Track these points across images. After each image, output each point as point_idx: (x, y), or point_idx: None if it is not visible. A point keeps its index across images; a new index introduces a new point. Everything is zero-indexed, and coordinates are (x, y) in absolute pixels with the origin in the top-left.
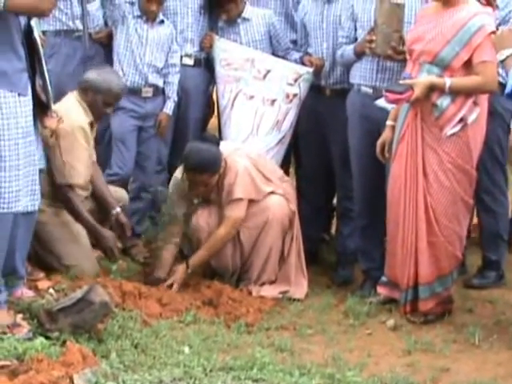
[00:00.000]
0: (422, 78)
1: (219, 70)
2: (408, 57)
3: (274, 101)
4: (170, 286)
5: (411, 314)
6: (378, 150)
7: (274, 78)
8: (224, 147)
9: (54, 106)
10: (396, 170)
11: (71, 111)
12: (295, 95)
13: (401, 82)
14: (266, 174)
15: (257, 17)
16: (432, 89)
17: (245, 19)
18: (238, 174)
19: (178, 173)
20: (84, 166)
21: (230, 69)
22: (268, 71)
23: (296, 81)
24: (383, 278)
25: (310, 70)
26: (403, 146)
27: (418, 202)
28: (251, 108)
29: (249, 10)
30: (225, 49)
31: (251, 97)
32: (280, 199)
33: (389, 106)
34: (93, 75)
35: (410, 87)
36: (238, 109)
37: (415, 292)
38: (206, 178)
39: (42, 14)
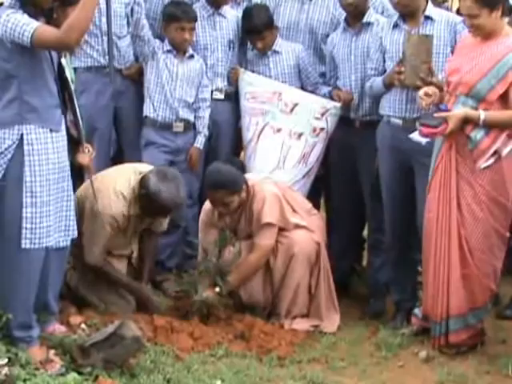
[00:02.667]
0: (456, 110)
1: (244, 104)
2: (445, 88)
3: (300, 134)
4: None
5: (444, 346)
6: None
7: (301, 111)
8: (252, 176)
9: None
10: (430, 202)
11: (113, 197)
12: (322, 129)
13: (435, 115)
14: (292, 205)
15: (287, 50)
16: (466, 121)
17: (275, 52)
18: (265, 200)
19: (208, 203)
20: (99, 249)
21: (256, 102)
22: (295, 105)
23: (323, 115)
24: (416, 309)
25: (338, 104)
26: (437, 177)
27: (450, 235)
28: (278, 141)
29: (279, 43)
30: (251, 82)
31: (278, 130)
32: (305, 234)
33: (423, 140)
34: (154, 185)
35: (445, 120)
36: (264, 142)
37: (448, 324)
38: (224, 195)
39: (67, 48)
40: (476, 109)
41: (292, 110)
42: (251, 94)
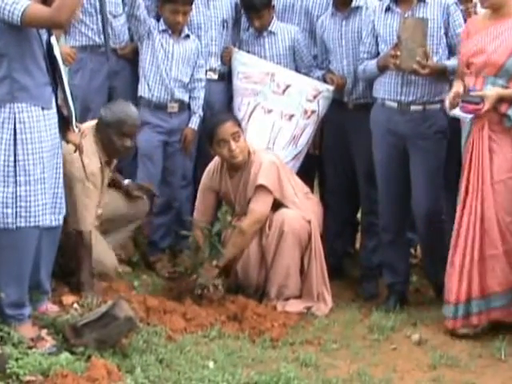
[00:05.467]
0: (488, 89)
1: (236, 83)
2: (466, 70)
3: (291, 116)
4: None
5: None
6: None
7: (294, 93)
8: (255, 146)
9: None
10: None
11: (84, 156)
12: (313, 112)
13: (472, 93)
14: (289, 179)
15: (282, 31)
16: (500, 100)
17: (271, 32)
18: (262, 164)
19: (211, 164)
20: (90, 214)
21: (249, 82)
22: (287, 86)
23: (315, 97)
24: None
25: (331, 87)
26: (467, 158)
27: (484, 213)
28: (269, 122)
29: (275, 24)
30: (244, 62)
31: (269, 111)
32: (296, 212)
33: (467, 117)
34: (103, 111)
35: (481, 99)
36: (254, 122)
37: (490, 302)
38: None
39: (58, 27)
40: (507, 87)
41: (284, 91)
42: (244, 73)
